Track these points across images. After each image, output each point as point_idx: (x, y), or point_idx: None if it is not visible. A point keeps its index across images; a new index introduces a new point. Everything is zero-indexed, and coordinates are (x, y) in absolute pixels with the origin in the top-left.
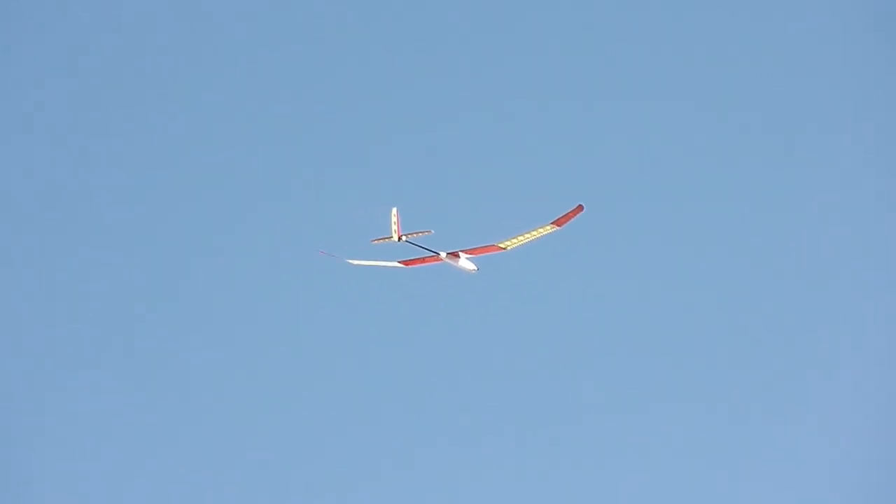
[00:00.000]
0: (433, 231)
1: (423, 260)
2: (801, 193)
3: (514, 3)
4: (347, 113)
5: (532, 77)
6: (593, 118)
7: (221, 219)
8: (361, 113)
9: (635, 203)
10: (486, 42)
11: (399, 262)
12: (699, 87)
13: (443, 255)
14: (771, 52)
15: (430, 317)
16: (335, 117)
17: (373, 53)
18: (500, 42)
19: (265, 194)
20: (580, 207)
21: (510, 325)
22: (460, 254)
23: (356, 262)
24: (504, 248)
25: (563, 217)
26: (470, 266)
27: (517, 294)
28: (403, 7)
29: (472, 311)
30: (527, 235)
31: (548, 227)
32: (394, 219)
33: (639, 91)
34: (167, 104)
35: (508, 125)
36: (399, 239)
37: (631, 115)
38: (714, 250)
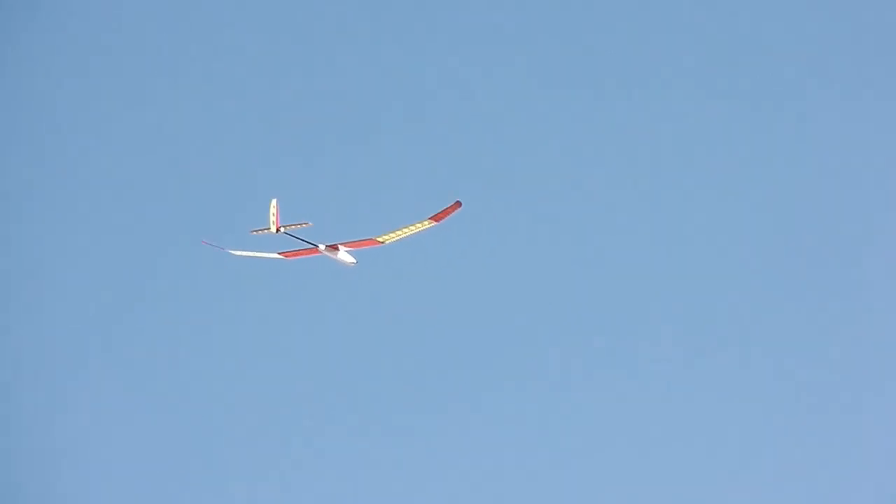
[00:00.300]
0: (312, 223)
1: (302, 252)
2: (799, 191)
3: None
4: (234, 107)
5: (418, 74)
6: (474, 116)
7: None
8: (248, 107)
9: (512, 199)
10: (372, 35)
11: (279, 253)
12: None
13: (322, 247)
14: (772, 52)
15: (309, 308)
16: (221, 112)
17: (254, 50)
18: (390, 35)
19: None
20: (458, 204)
21: (387, 318)
22: (339, 247)
23: (238, 252)
24: (382, 242)
25: (441, 213)
26: (349, 259)
27: (394, 286)
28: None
29: (350, 303)
30: (405, 230)
31: (426, 223)
32: (273, 210)
33: (543, 88)
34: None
35: (387, 122)
36: (277, 230)
37: (514, 111)
38: (600, 242)
